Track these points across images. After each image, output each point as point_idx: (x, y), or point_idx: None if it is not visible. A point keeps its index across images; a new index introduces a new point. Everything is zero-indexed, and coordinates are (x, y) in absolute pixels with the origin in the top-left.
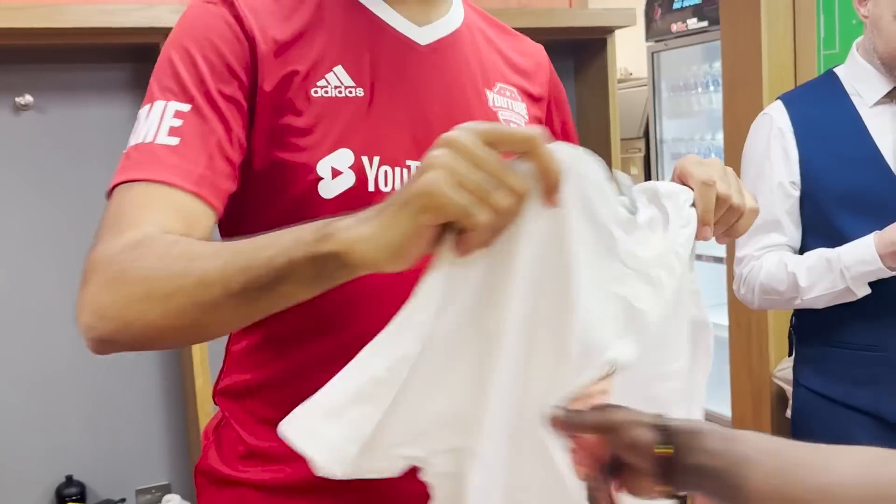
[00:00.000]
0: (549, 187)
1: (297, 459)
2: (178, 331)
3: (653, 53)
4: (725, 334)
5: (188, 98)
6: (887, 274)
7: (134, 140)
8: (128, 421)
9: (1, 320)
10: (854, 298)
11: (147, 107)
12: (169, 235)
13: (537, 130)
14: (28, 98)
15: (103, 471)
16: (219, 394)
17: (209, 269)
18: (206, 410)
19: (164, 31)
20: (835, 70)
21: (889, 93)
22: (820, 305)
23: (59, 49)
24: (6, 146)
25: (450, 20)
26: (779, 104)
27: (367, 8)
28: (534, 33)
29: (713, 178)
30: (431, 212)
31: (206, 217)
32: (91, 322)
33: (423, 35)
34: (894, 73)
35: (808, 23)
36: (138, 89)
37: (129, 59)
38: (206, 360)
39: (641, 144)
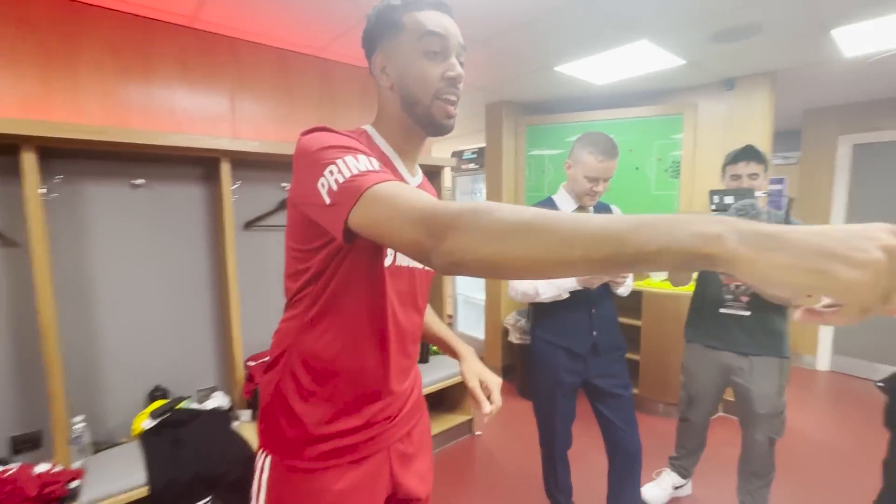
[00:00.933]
0: None
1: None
2: (521, 271)
3: (454, 177)
4: (483, 303)
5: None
6: (576, 288)
7: (356, 169)
8: (192, 346)
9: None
10: (562, 299)
11: (350, 156)
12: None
13: None
14: (141, 181)
15: (177, 379)
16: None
17: (575, 232)
18: (238, 338)
19: (222, 151)
20: (551, 196)
21: (576, 209)
22: (547, 301)
23: (163, 155)
24: (126, 209)
25: (420, 176)
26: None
27: (391, 161)
28: None
29: (486, 379)
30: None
31: None
32: (453, 248)
33: (412, 181)
34: (580, 200)
35: (521, 171)
36: (206, 181)
37: (201, 164)
38: (239, 310)
39: None
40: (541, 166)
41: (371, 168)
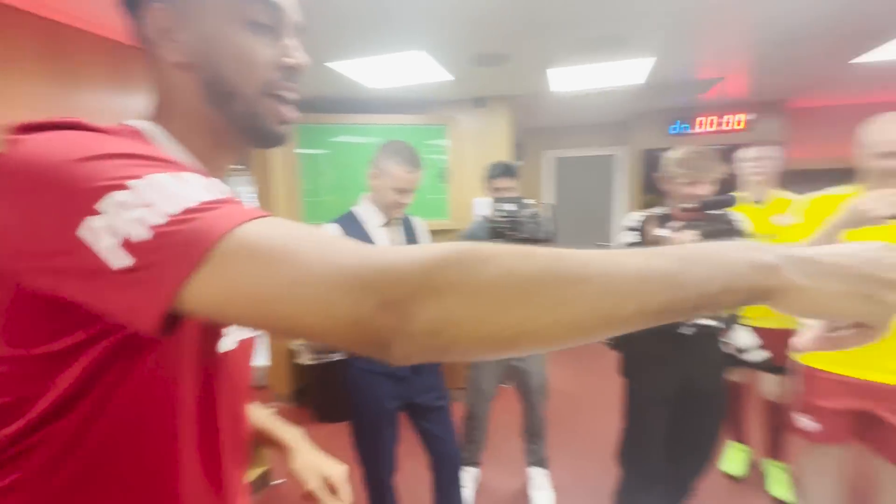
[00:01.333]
0: None
1: None
2: (553, 341)
3: None
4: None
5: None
6: None
7: (189, 199)
8: None
9: None
10: None
11: (163, 173)
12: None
13: None
14: None
15: None
16: None
17: (614, 278)
18: None
19: None
20: (352, 209)
21: (385, 223)
22: None
23: None
24: None
25: None
26: (335, 224)
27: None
28: None
29: (329, 474)
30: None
31: None
32: (438, 326)
33: None
34: (387, 213)
35: (295, 174)
36: None
37: None
38: None
39: None
40: (316, 168)
41: (218, 196)
